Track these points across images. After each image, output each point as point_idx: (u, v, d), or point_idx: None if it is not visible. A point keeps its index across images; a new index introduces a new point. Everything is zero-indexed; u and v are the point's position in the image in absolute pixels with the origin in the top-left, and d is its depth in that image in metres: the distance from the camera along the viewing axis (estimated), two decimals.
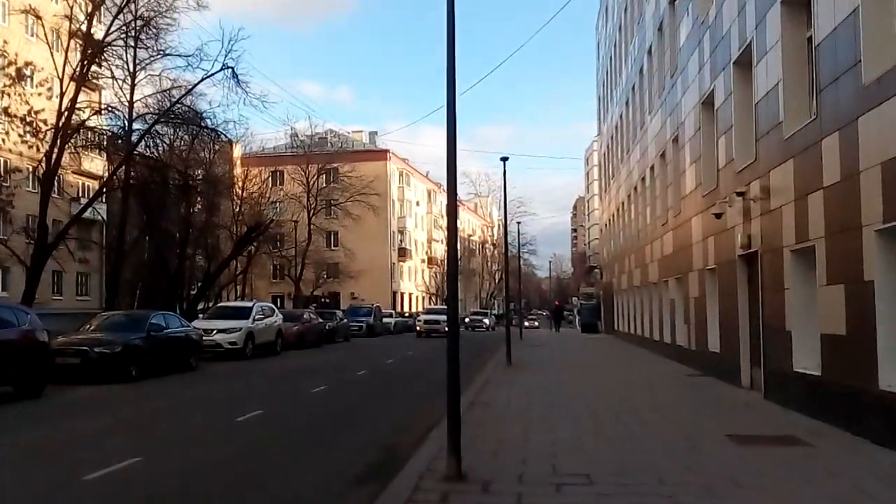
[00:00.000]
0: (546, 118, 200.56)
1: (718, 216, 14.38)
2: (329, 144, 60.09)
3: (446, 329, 6.92)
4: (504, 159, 19.55)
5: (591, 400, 12.20)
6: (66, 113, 23.22)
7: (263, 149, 61.93)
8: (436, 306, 48.64)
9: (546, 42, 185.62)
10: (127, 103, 27.69)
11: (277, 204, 56.42)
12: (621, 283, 33.32)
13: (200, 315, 23.96)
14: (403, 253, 71.78)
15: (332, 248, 63.67)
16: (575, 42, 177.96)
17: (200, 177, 38.13)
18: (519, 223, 44.15)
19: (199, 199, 37.85)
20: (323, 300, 55.68)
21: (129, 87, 27.78)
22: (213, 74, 24.98)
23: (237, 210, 46.40)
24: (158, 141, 28.50)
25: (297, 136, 57.17)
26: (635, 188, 27.91)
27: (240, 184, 49.61)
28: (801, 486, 6.42)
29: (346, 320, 35.48)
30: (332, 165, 56.41)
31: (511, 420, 10.04)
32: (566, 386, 14.59)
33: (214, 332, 20.96)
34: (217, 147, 37.24)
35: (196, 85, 25.60)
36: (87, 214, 39.53)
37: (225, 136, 28.83)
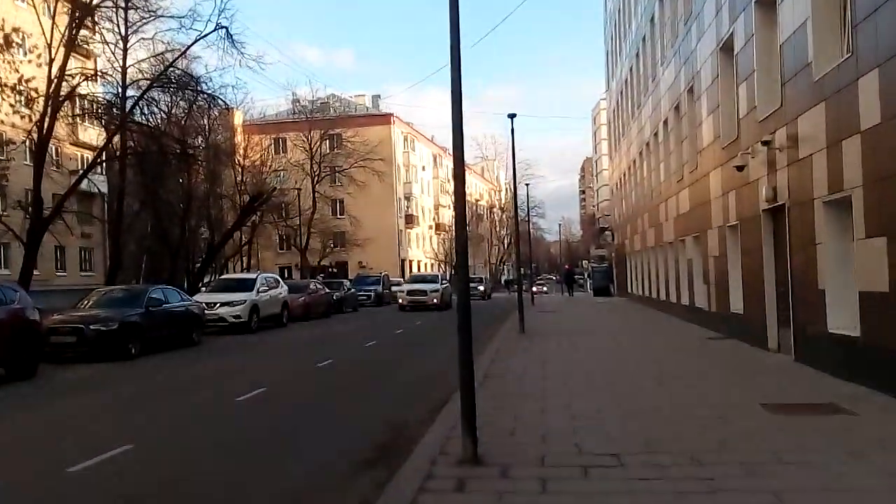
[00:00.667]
0: (552, 79, 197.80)
1: (740, 169, 13.57)
2: (331, 110, 59.00)
3: (434, 301, 6.14)
4: (511, 116, 18.74)
5: (610, 368, 11.56)
6: (55, 80, 22.37)
7: (264, 115, 60.97)
8: (423, 273, 44.78)
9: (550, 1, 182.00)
10: (120, 69, 26.82)
11: (281, 172, 55.65)
12: (634, 244, 32.54)
13: (203, 288, 23.37)
14: (410, 219, 70.99)
15: (339, 216, 62.91)
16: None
17: (200, 145, 37.43)
18: (528, 184, 43.36)
19: (199, 168, 37.16)
20: (330, 270, 55.15)
21: (121, 52, 26.90)
22: (207, 35, 24.08)
23: (239, 179, 45.68)
24: (155, 108, 27.65)
25: (299, 102, 56.15)
26: (647, 144, 26.99)
27: (241, 152, 48.86)
28: (852, 460, 5.76)
29: (353, 290, 34.89)
30: (336, 131, 55.46)
31: (527, 393, 9.41)
32: (582, 353, 13.96)
33: (217, 305, 20.39)
34: (216, 113, 36.35)
35: (190, 46, 24.75)
36: (87, 187, 39.05)
37: (222, 101, 27.97)
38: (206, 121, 39.20)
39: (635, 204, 31.64)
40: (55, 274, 40.86)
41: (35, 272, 40.60)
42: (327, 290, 29.45)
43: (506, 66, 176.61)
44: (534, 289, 50.68)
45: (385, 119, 67.40)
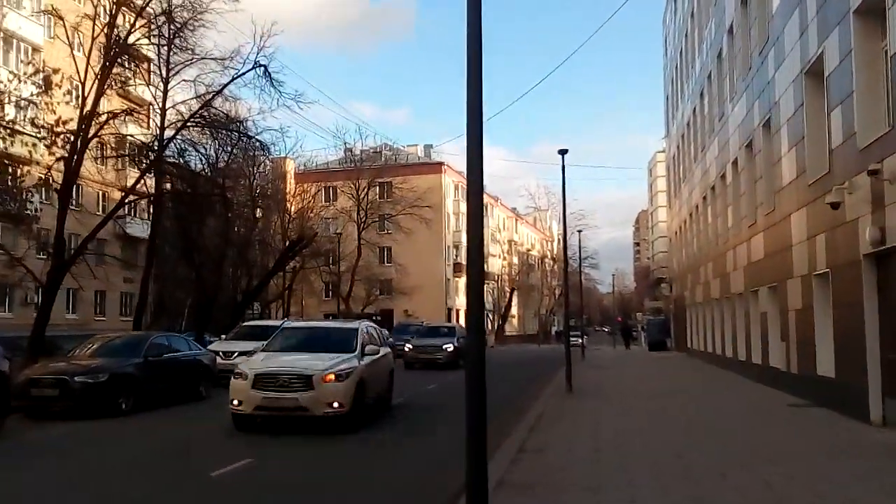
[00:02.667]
0: (605, 133, 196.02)
1: (835, 206, 11.39)
2: (383, 159, 58.21)
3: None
4: (562, 152, 16.85)
5: (678, 444, 9.34)
6: (86, 118, 21.49)
7: (316, 165, 60.64)
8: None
9: (603, 54, 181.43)
10: (160, 110, 25.97)
11: (330, 220, 54.87)
12: (695, 295, 30.01)
13: (223, 336, 21.77)
14: (459, 268, 69.07)
15: (386, 263, 61.67)
16: (633, 50, 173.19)
17: (240, 190, 36.59)
18: (580, 231, 41.24)
19: (241, 213, 36.26)
20: (374, 318, 53.48)
21: (161, 94, 26.09)
22: (245, 73, 23.04)
23: (287, 226, 44.74)
24: (193, 151, 26.77)
25: (352, 151, 55.46)
26: (712, 188, 24.75)
27: (290, 199, 48.24)
28: None
29: (391, 339, 32.93)
30: (386, 180, 54.50)
31: (573, 481, 7.32)
32: (642, 421, 11.72)
33: (236, 354, 18.66)
34: (261, 159, 35.59)
35: (227, 84, 23.65)
36: (133, 232, 38.47)
37: (259, 141, 26.79)
38: (251, 167, 38.66)
39: (697, 253, 29.23)
40: (93, 318, 40.24)
41: (72, 316, 40.61)
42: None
43: (559, 122, 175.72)
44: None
45: (436, 168, 66.35)
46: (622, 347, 54.25)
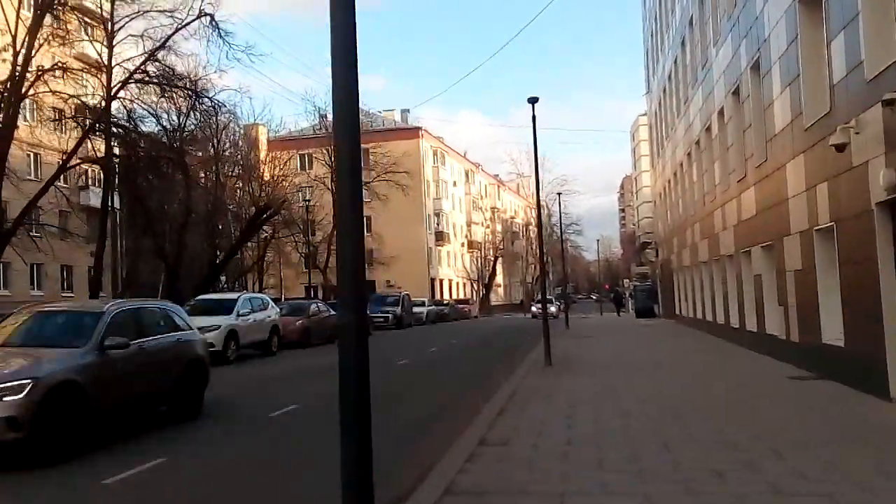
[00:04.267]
0: (587, 99, 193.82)
1: (840, 149, 9.88)
2: (360, 125, 56.05)
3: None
4: (532, 100, 15.23)
5: (666, 432, 7.90)
6: (17, 76, 19.64)
7: (290, 131, 58.59)
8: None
9: (582, 13, 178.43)
10: (105, 68, 24.03)
11: (306, 189, 53.02)
12: (682, 259, 28.65)
13: None
14: (441, 237, 67.60)
15: (368, 233, 60.03)
16: (612, 9, 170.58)
17: (202, 154, 34.75)
18: (559, 194, 39.75)
19: (205, 181, 34.47)
20: None
21: (106, 49, 24.14)
22: (190, 23, 21.29)
23: (260, 195, 42.88)
24: (151, 115, 24.92)
25: (325, 118, 53.34)
26: (697, 143, 23.23)
27: (263, 167, 46.36)
28: None
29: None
30: (363, 146, 52.40)
31: (536, 486, 5.86)
32: (625, 400, 10.29)
33: None
34: (219, 120, 33.62)
35: (171, 35, 21.85)
36: (93, 202, 36.49)
37: (214, 102, 25.00)
38: (213, 130, 36.74)
39: (683, 214, 27.79)
40: (60, 295, 38.48)
41: (37, 293, 38.77)
42: (332, 313, 26.06)
43: (539, 87, 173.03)
44: (532, 308, 52.28)
45: (413, 133, 64.44)
46: (610, 315, 53.16)
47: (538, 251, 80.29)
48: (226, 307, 18.61)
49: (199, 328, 16.99)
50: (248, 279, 45.49)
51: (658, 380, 12.57)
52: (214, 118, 33.78)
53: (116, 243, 41.73)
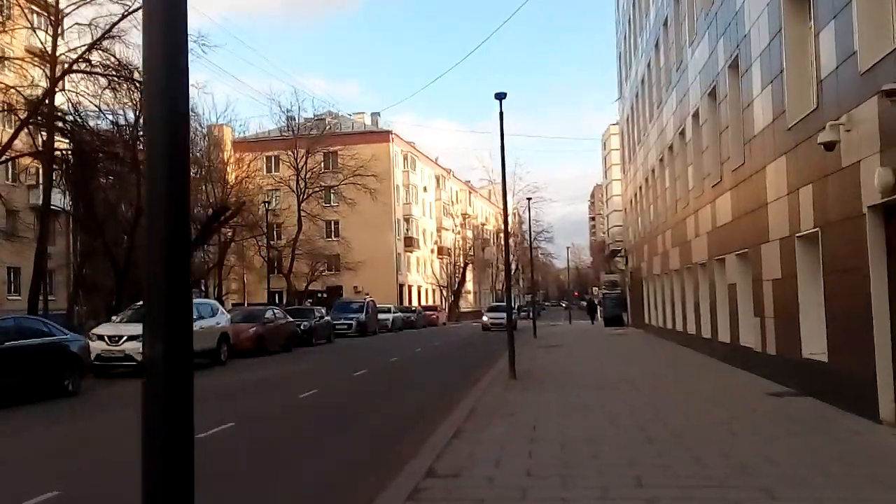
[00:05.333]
0: (559, 108, 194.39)
1: (829, 147, 9.08)
2: (328, 127, 54.87)
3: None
4: (500, 96, 14.31)
5: (639, 460, 6.95)
6: None
7: (257, 133, 57.19)
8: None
9: (557, 34, 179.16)
10: (48, 58, 22.64)
11: (272, 191, 51.70)
12: (652, 267, 27.95)
13: (114, 318, 18.92)
14: (410, 242, 66.53)
15: (334, 238, 58.77)
16: (581, 18, 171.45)
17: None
18: (529, 199, 39.05)
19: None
20: (320, 295, 50.65)
21: (51, 38, 22.76)
22: (137, 9, 19.95)
23: (225, 196, 41.41)
24: (93, 104, 23.49)
25: (294, 120, 51.98)
26: (670, 147, 22.52)
27: (228, 168, 44.95)
28: None
29: (327, 318, 30.27)
30: (331, 149, 51.27)
31: None
32: (593, 419, 9.35)
33: (123, 339, 15.91)
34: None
35: (117, 23, 20.56)
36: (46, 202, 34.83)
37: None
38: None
39: (654, 221, 27.09)
40: (6, 298, 36.71)
41: None
42: (289, 319, 24.89)
43: (511, 95, 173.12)
44: (484, 318, 42.67)
45: (384, 137, 63.31)
46: (579, 322, 52.53)
47: (513, 260, 79.67)
48: None
49: (135, 336, 15.98)
50: (210, 284, 44.02)
51: (628, 396, 11.67)
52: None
53: (69, 244, 40.20)
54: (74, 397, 12.81)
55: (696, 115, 18.47)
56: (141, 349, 11.45)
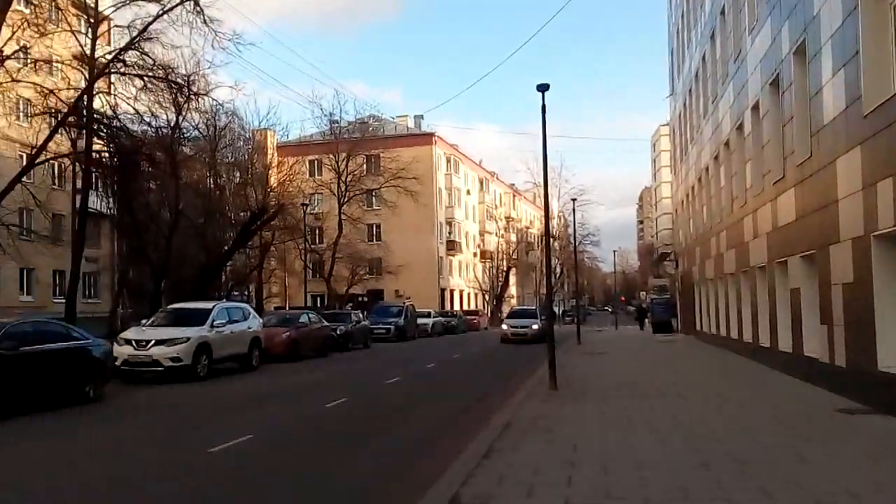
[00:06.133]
0: (603, 111, 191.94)
1: None
2: (371, 131, 54.41)
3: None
4: (542, 87, 13.38)
5: (699, 491, 5.95)
6: None
7: (300, 136, 57.12)
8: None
9: (608, 34, 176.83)
10: (87, 60, 22.44)
11: (315, 195, 51.45)
12: (705, 270, 26.58)
13: (143, 322, 18.46)
14: (452, 246, 65.68)
15: (376, 241, 58.33)
16: (632, 19, 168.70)
17: (202, 158, 33.23)
18: (574, 200, 37.83)
19: (199, 183, 32.90)
20: (361, 299, 50.16)
21: (90, 40, 22.58)
22: (173, 8, 19.67)
23: (267, 200, 41.20)
24: (131, 107, 23.27)
25: (338, 124, 51.56)
26: (726, 144, 21.24)
27: (271, 172, 44.78)
28: None
29: (365, 322, 29.56)
30: (373, 152, 50.79)
31: None
32: (640, 438, 8.34)
33: (151, 344, 15.38)
34: (217, 121, 32.09)
35: (151, 23, 20.21)
36: (91, 205, 35.09)
37: (196, 93, 23.28)
38: (213, 131, 35.26)
39: (707, 222, 25.74)
40: (52, 300, 37.03)
41: (27, 298, 37.28)
42: (325, 324, 24.23)
43: (556, 96, 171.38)
44: (503, 326, 33.80)
45: (426, 139, 62.63)
46: (626, 328, 51.07)
47: (550, 259, 78.52)
48: (199, 317, 16.81)
49: (163, 341, 15.45)
50: (251, 287, 43.83)
51: (679, 410, 10.60)
52: (215, 120, 32.40)
53: (113, 247, 40.42)
54: (95, 404, 12.26)
55: (755, 108, 17.21)
56: (169, 354, 10.92)
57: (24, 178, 23.14)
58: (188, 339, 15.63)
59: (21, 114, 21.77)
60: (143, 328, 16.84)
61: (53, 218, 32.40)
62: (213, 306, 17.65)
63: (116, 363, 15.26)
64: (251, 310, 19.30)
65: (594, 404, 11.23)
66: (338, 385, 15.15)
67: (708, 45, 24.08)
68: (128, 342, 15.61)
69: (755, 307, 18.04)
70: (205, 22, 19.64)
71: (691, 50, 28.72)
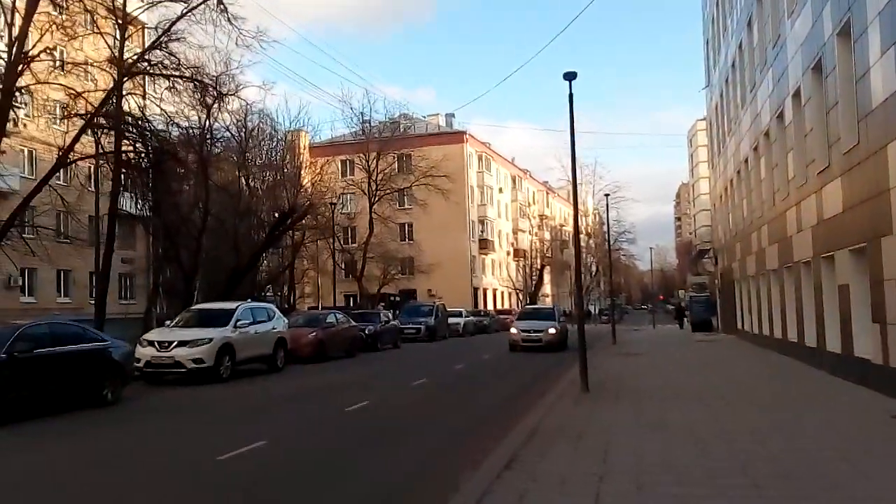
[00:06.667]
0: (637, 109, 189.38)
1: None
2: (401, 128, 54.08)
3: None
4: (569, 76, 12.73)
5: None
6: (11, 64, 17.99)
7: (332, 136, 57.09)
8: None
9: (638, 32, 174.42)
10: (116, 62, 22.32)
11: (345, 196, 51.33)
12: (746, 267, 25.61)
13: (167, 322, 18.21)
14: (485, 244, 65.04)
15: (408, 241, 57.99)
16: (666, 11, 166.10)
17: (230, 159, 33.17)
18: (607, 195, 36.99)
19: (228, 184, 32.80)
20: (392, 298, 49.79)
21: (118, 41, 22.47)
22: (196, 6, 19.37)
23: (297, 200, 41.07)
24: (161, 109, 23.14)
25: (369, 124, 51.28)
26: (766, 134, 20.33)
27: (304, 173, 44.75)
28: None
29: (394, 322, 29.13)
30: (403, 152, 50.44)
31: None
32: (681, 452, 7.70)
33: (173, 345, 15.09)
34: (247, 122, 31.97)
35: (176, 21, 19.91)
36: (126, 207, 35.30)
37: (220, 92, 23.04)
38: (243, 134, 35.23)
39: (747, 216, 24.78)
40: (88, 302, 37.30)
41: (64, 300, 37.61)
42: (352, 324, 23.82)
43: (589, 95, 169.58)
44: (512, 330, 26.33)
45: (457, 137, 62.07)
46: (663, 327, 49.98)
47: (593, 262, 76.62)
48: (223, 318, 16.50)
49: (185, 342, 15.15)
50: (285, 287, 43.75)
51: (721, 415, 9.92)
52: (245, 122, 32.28)
53: (148, 248, 40.64)
54: (111, 408, 11.96)
55: (797, 94, 16.35)
56: (191, 355, 10.52)
57: (60, 181, 23.35)
58: (210, 340, 15.31)
59: (51, 116, 21.69)
60: (166, 329, 16.56)
61: (90, 220, 32.58)
62: (237, 307, 17.32)
63: (139, 365, 15.10)
64: (276, 310, 18.94)
65: (628, 409, 10.59)
66: (362, 387, 14.70)
67: (745, 33, 23.14)
68: (150, 343, 15.35)
69: (800, 305, 17.16)
70: (228, 20, 19.37)
71: (727, 38, 27.74)
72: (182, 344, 15.10)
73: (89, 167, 29.91)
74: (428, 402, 12.99)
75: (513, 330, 26.15)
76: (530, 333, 25.26)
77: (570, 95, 12.93)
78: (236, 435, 9.36)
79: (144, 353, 15.18)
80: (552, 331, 25.31)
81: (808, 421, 9.40)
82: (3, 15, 18.84)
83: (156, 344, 15.26)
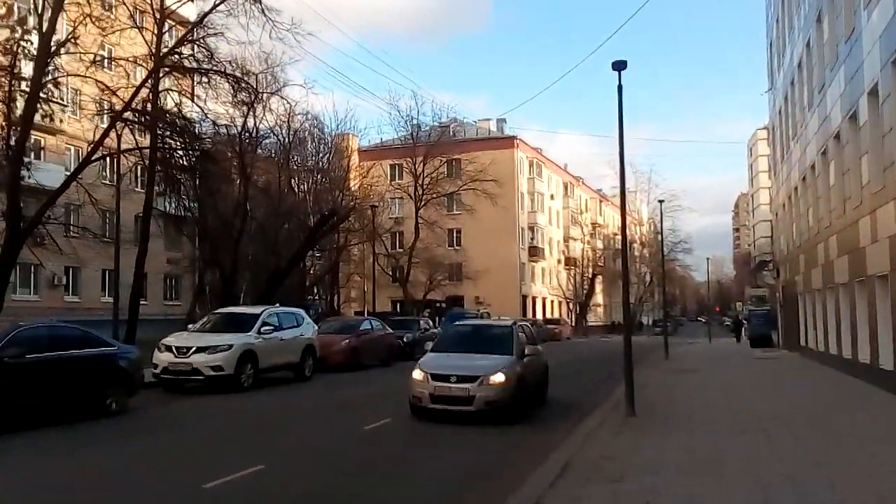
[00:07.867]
0: (693, 118, 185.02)
1: None
2: (451, 133, 53.19)
3: None
4: (618, 65, 11.56)
5: None
6: (43, 58, 17.67)
7: (382, 140, 56.55)
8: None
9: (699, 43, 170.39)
10: (152, 57, 21.97)
11: (394, 200, 50.75)
12: (811, 280, 23.80)
13: (189, 326, 17.46)
14: (535, 252, 63.57)
15: (455, 246, 57.07)
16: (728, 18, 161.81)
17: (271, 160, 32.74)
18: (661, 202, 35.35)
19: (273, 186, 32.38)
20: (439, 304, 48.84)
21: (155, 37, 22.13)
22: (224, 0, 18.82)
23: (348, 203, 40.48)
24: (199, 106, 22.71)
25: (420, 128, 50.45)
26: (836, 137, 18.67)
27: (353, 177, 44.32)
28: None
29: (434, 330, 28.08)
30: (453, 156, 49.50)
31: None
32: (740, 492, 6.45)
33: (192, 351, 14.31)
34: (291, 124, 31.47)
35: (208, 13, 19.49)
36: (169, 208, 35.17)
37: (253, 88, 22.46)
38: (288, 135, 34.78)
39: (813, 226, 23.00)
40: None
41: (108, 299, 37.68)
42: (389, 331, 22.87)
43: (646, 104, 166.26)
44: (414, 373, 10.74)
45: (508, 143, 60.87)
46: (720, 341, 47.85)
47: (647, 272, 74.24)
48: (246, 323, 15.70)
49: (204, 348, 14.37)
50: (329, 292, 43.22)
51: (786, 449, 8.58)
52: (289, 124, 31.75)
53: (195, 250, 40.56)
54: (114, 418, 11.16)
55: (873, 92, 14.77)
56: (210, 363, 9.57)
57: (107, 181, 23.14)
58: (230, 346, 14.50)
59: (90, 113, 21.52)
60: (187, 333, 15.80)
61: (135, 220, 32.52)
62: (262, 311, 16.50)
63: (156, 371, 14.41)
64: (305, 315, 18.06)
65: (678, 439, 9.31)
66: (386, 401, 13.64)
67: (813, 29, 21.44)
68: (168, 349, 14.60)
69: (874, 323, 15.50)
70: (263, 11, 18.77)
71: (793, 37, 25.96)
72: (201, 350, 14.31)
73: (135, 166, 29.79)
74: (453, 421, 11.87)
75: (416, 374, 11.81)
76: (449, 384, 11.40)
77: (620, 87, 11.73)
78: (235, 456, 8.44)
79: (162, 358, 14.46)
80: (497, 378, 11.33)
81: (891, 458, 8.00)
82: (33, 7, 18.57)
83: (174, 349, 14.50)
